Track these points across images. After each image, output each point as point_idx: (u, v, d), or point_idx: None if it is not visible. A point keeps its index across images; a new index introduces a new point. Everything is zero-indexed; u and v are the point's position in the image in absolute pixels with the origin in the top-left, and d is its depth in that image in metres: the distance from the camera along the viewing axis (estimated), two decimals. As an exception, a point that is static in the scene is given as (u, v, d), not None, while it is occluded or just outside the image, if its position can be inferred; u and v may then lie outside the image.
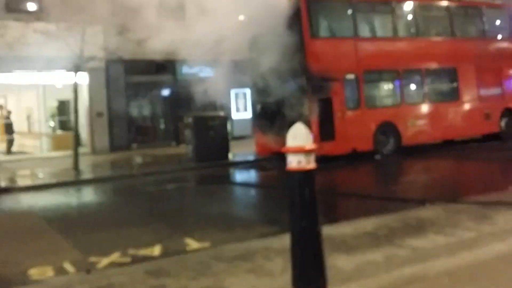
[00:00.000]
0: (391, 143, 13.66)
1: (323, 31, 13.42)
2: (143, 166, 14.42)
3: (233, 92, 23.59)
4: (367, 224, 5.88)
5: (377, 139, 13.40)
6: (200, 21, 12.35)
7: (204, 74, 19.50)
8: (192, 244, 5.96)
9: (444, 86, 15.43)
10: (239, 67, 13.56)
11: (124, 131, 20.90)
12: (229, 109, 22.44)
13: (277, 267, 4.63)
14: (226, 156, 14.57)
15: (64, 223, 7.87)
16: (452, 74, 15.22)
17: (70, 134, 22.57)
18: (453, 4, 15.60)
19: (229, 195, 10.28)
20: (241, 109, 23.95)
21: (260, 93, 14.02)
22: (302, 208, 3.16)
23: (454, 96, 15.17)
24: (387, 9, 14.44)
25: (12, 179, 13.36)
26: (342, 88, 13.08)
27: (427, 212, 6.39)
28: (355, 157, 13.03)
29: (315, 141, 12.20)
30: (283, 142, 12.40)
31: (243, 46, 13.17)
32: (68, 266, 5.35)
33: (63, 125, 23.48)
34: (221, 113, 15.51)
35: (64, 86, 21.82)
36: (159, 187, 11.13)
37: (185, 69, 21.72)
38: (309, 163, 3.23)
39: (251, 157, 14.67)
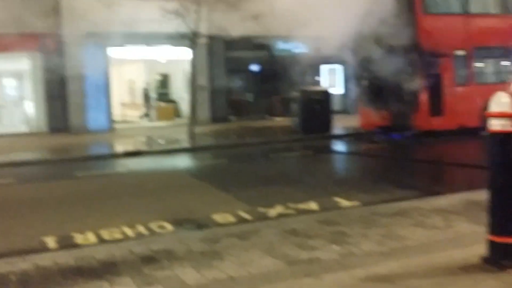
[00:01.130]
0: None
1: (435, 7, 13.60)
2: (253, 136, 15.35)
3: (324, 68, 24.06)
4: None
5: (484, 116, 13.48)
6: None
7: (298, 50, 20.15)
8: (343, 202, 6.67)
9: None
10: (330, 43, 14.03)
11: (223, 104, 22.01)
12: (320, 84, 22.96)
13: (439, 223, 5.24)
14: (329, 129, 15.22)
15: (215, 181, 8.77)
16: None
17: (171, 106, 24.11)
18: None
19: (350, 163, 10.97)
20: (332, 85, 24.37)
21: (366, 68, 14.42)
22: (503, 166, 3.69)
23: None
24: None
25: (135, 144, 14.65)
26: (452, 64, 13.27)
27: None
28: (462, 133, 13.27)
29: (424, 116, 12.64)
30: (389, 116, 13.01)
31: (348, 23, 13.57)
32: (243, 214, 6.22)
33: (163, 98, 24.90)
34: (325, 88, 16.11)
35: (167, 61, 23.21)
36: (280, 154, 11.97)
37: (281, 45, 22.40)
38: (510, 127, 3.71)
39: (356, 131, 15.22)
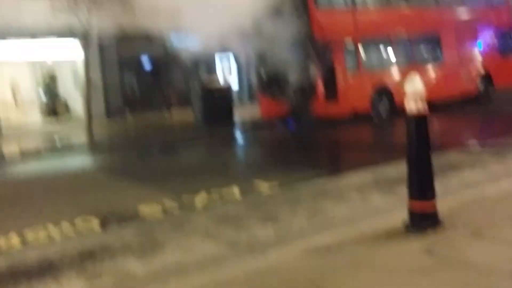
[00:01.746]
0: (386, 105, 14.88)
1: (327, 2, 14.40)
2: (157, 130, 15.29)
3: (219, 56, 24.29)
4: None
5: (375, 102, 14.60)
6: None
7: (191, 42, 20.23)
8: (263, 184, 6.92)
9: (431, 51, 16.69)
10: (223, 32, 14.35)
11: (118, 100, 21.49)
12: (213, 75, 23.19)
13: (355, 197, 5.75)
14: (232, 120, 15.56)
15: (131, 176, 8.69)
16: (436, 40, 16.50)
17: (59, 108, 23.07)
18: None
19: (258, 150, 11.38)
20: (227, 73, 24.68)
21: (264, 60, 14.90)
22: (419, 140, 4.16)
23: (439, 60, 16.49)
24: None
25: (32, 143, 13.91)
26: (342, 54, 14.15)
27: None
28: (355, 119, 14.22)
29: (320, 104, 13.28)
30: (287, 105, 13.55)
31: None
32: (170, 203, 6.30)
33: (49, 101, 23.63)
34: (225, 79, 16.42)
35: (53, 62, 22.16)
36: (188, 147, 12.09)
37: (174, 38, 22.29)
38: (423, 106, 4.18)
39: (257, 120, 15.67)
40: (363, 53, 14.74)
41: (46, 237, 5.34)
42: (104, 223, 5.65)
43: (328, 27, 13.92)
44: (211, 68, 24.00)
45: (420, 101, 4.14)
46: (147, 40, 21.44)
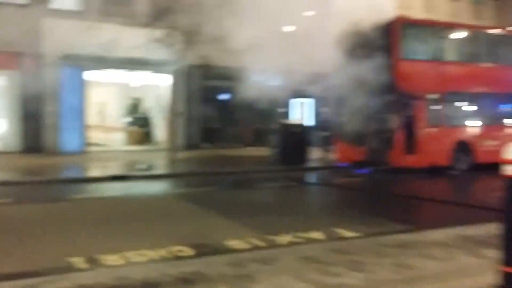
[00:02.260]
0: (466, 160, 14.68)
1: (412, 54, 14.58)
2: (234, 165, 15.80)
3: (295, 101, 24.81)
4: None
5: (454, 156, 14.46)
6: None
7: (270, 83, 20.84)
8: (345, 233, 7.15)
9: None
10: (303, 77, 14.76)
11: (197, 131, 22.38)
12: (288, 117, 23.66)
13: (441, 255, 5.81)
14: (307, 161, 15.87)
15: (214, 208, 9.11)
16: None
17: (141, 130, 24.23)
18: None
19: (335, 195, 11.60)
20: (302, 118, 25.10)
21: (344, 105, 15.18)
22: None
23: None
24: (466, 37, 15.71)
25: (118, 168, 14.78)
26: (425, 106, 14.19)
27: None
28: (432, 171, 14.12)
29: (398, 153, 13.42)
30: (365, 152, 13.82)
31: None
32: (255, 241, 6.60)
33: (135, 122, 24.99)
34: (302, 122, 16.82)
35: (141, 85, 23.45)
36: (265, 184, 12.47)
37: (256, 77, 23.02)
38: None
39: (331, 163, 15.87)
40: (445, 106, 14.71)
41: (146, 259, 5.79)
42: (196, 253, 6.03)
43: (411, 78, 14.07)
44: (291, 109, 24.59)
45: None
46: (231, 76, 22.47)
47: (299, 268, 5.30)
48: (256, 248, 6.32)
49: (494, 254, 4.69)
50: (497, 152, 14.53)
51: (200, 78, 22.25)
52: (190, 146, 21.62)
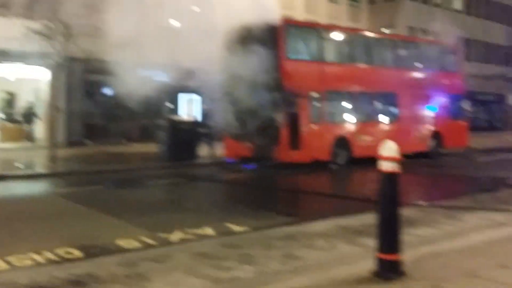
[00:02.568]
0: (344, 154, 15.67)
1: (296, 54, 15.23)
2: (120, 162, 15.43)
3: (183, 97, 24.78)
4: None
5: (334, 151, 15.36)
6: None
7: (155, 78, 20.66)
8: (235, 227, 7.34)
9: (388, 108, 17.78)
10: (188, 73, 14.90)
11: (79, 127, 21.51)
12: (176, 113, 23.60)
13: (324, 245, 6.23)
14: (196, 157, 15.95)
15: (101, 207, 8.86)
16: (393, 99, 17.61)
17: (18, 127, 22.74)
18: (399, 39, 18.12)
19: (225, 191, 11.81)
20: (190, 114, 25.13)
21: (232, 102, 15.45)
22: (391, 198, 4.71)
23: (395, 117, 17.58)
24: (347, 40, 16.76)
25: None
26: (307, 104, 14.91)
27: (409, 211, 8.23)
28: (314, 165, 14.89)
29: (284, 149, 14.01)
30: (252, 148, 14.27)
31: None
32: (147, 239, 6.58)
33: (9, 117, 23.39)
34: (193, 118, 16.89)
35: (16, 79, 21.99)
36: (154, 181, 12.34)
37: (142, 72, 22.60)
38: (397, 168, 4.75)
39: (220, 159, 16.09)
40: (325, 104, 15.55)
41: (31, 262, 5.54)
42: (85, 254, 5.88)
43: (296, 77, 14.70)
44: (178, 105, 24.47)
45: (394, 162, 4.68)
46: (114, 71, 21.81)
47: (192, 264, 5.41)
48: (148, 246, 6.30)
49: (371, 242, 5.13)
50: (372, 147, 15.65)
51: (82, 72, 21.40)
52: (72, 143, 20.74)
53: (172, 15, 13.86)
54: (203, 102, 23.64)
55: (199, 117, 24.33)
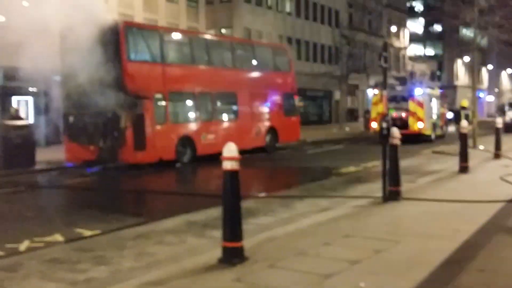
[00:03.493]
0: (189, 153, 16.27)
1: (138, 55, 15.37)
2: None
3: (15, 99, 23.27)
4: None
5: (178, 150, 15.86)
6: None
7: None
8: (85, 232, 7.45)
9: (228, 107, 18.79)
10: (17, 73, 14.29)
11: None
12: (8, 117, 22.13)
13: (174, 240, 6.70)
14: (34, 163, 15.26)
15: None
16: (233, 98, 18.66)
17: None
18: (235, 42, 19.20)
19: (71, 196, 11.59)
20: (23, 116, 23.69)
21: (73, 105, 15.12)
22: (233, 193, 5.33)
23: (235, 115, 18.65)
24: (187, 41, 17.35)
25: None
26: (151, 105, 15.17)
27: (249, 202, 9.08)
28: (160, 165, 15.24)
29: (129, 151, 14.27)
30: (95, 150, 14.37)
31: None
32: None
33: None
34: (27, 121, 16.07)
35: None
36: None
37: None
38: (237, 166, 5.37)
39: (62, 164, 15.60)
40: (169, 105, 15.97)
41: None
42: None
43: (138, 78, 14.88)
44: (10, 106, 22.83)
45: (234, 161, 5.31)
46: None
47: (46, 270, 5.52)
48: (-5, 258, 6.20)
49: (217, 234, 5.73)
50: (215, 144, 16.47)
51: None
52: None
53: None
54: (41, 104, 22.57)
55: (36, 120, 23.20)
